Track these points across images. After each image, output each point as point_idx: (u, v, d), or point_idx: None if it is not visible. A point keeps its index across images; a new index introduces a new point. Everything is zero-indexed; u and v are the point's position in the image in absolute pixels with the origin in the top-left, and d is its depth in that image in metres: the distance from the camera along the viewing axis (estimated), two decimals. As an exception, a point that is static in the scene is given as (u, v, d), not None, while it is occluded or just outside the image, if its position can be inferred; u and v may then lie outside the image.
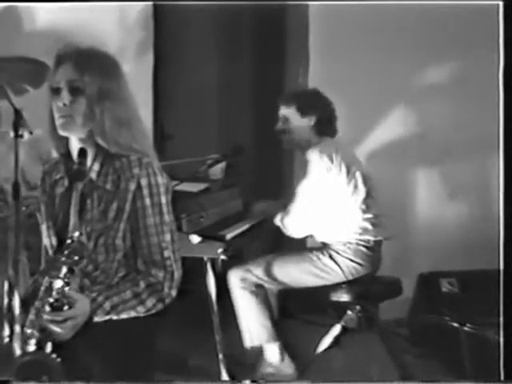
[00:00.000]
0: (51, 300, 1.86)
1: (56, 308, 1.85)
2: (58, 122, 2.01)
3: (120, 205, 2.00)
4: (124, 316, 1.97)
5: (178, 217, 2.75)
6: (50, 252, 2.11)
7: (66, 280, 1.86)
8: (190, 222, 2.90)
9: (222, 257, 2.89)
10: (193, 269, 2.48)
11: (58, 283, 1.86)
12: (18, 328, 2.00)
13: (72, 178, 2.00)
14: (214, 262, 3.02)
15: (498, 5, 2.24)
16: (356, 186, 3.12)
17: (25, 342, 1.85)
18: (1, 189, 3.00)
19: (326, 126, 3.21)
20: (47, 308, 1.86)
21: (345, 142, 3.29)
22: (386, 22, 3.55)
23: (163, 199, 2.02)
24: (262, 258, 3.19)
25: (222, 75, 4.11)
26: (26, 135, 2.61)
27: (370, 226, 3.16)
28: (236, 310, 3.15)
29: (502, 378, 2.25)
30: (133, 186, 1.99)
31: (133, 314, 1.98)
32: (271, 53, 4.06)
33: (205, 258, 3.00)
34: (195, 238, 2.88)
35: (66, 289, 1.86)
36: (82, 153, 1.95)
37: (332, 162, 3.08)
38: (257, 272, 3.13)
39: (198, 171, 3.16)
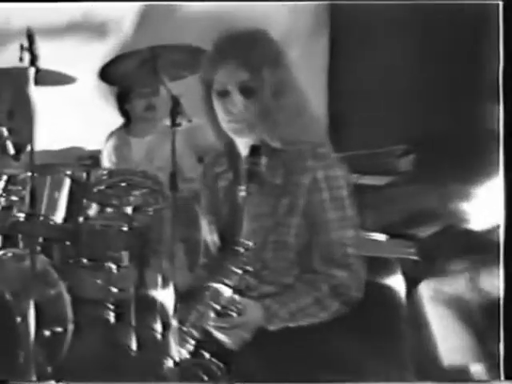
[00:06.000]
0: (218, 307, 1.78)
1: (223, 315, 1.77)
2: (229, 126, 1.88)
3: (292, 199, 1.85)
4: (302, 323, 1.83)
5: (361, 213, 2.61)
6: (212, 249, 2.01)
7: (238, 290, 1.78)
8: (375, 219, 2.74)
9: (413, 257, 2.69)
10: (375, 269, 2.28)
11: (228, 291, 1.77)
12: (174, 323, 1.91)
13: (246, 179, 1.85)
14: (403, 262, 2.78)
15: (497, 5, 2.19)
16: None
17: (183, 339, 1.79)
18: (156, 180, 2.94)
19: None
20: (212, 314, 1.78)
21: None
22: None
23: (344, 192, 1.87)
24: (457, 266, 2.88)
25: (411, 55, 3.77)
26: (184, 124, 2.54)
27: None
28: (429, 325, 2.85)
29: (502, 378, 2.18)
30: (307, 179, 1.85)
31: (313, 320, 1.84)
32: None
33: (392, 258, 2.77)
34: (382, 236, 2.72)
35: (237, 297, 1.77)
36: (256, 150, 1.82)
37: None
38: (454, 284, 2.83)
39: (384, 163, 2.99)
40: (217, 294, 1.79)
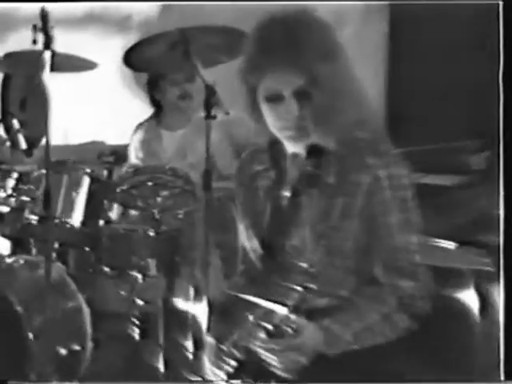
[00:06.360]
0: (270, 327, 1.67)
1: (274, 335, 1.66)
2: (282, 133, 1.77)
3: (348, 200, 1.74)
4: (367, 344, 1.69)
5: (426, 216, 2.32)
6: (252, 257, 1.87)
7: (295, 307, 1.68)
8: (442, 224, 2.49)
9: (488, 268, 2.41)
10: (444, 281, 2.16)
11: (283, 310, 1.67)
12: (210, 341, 1.79)
13: (303, 184, 1.78)
14: (475, 274, 2.52)
15: (498, 4, 2.17)
16: None
17: (221, 360, 1.70)
18: (187, 178, 2.77)
19: None
20: (262, 334, 1.67)
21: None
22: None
23: (409, 193, 1.76)
24: None
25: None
26: (220, 116, 2.36)
27: None
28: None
29: (502, 378, 2.15)
30: (367, 178, 1.73)
31: (380, 340, 1.70)
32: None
33: (463, 269, 2.51)
34: (450, 244, 2.47)
35: (293, 316, 1.66)
36: (315, 151, 1.74)
37: None
38: None
39: (454, 160, 2.75)
40: (270, 312, 1.70)
